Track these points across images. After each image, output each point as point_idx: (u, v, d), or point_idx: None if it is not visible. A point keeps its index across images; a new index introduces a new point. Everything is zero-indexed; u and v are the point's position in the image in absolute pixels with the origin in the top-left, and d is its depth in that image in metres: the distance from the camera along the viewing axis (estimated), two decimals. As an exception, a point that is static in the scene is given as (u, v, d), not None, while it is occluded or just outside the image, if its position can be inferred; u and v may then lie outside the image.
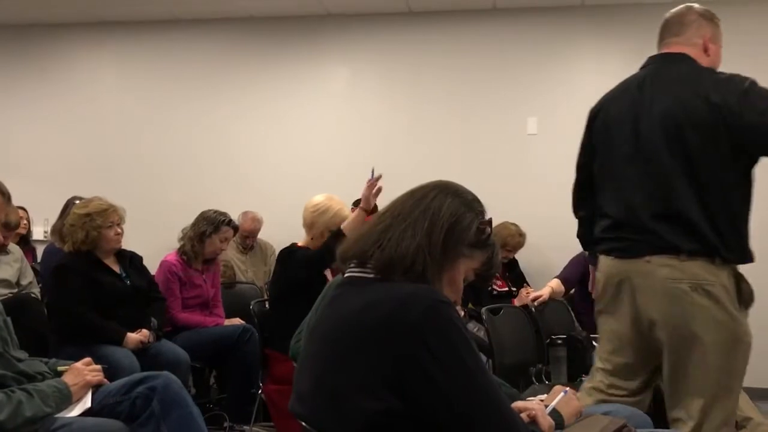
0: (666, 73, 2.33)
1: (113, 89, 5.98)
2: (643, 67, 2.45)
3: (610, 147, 2.38)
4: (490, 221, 1.51)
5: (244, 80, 5.83)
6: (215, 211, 4.12)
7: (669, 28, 2.42)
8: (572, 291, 4.06)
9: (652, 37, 5.76)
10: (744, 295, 2.20)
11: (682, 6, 2.43)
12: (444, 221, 1.41)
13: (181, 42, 5.90)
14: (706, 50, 2.37)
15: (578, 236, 2.69)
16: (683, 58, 2.34)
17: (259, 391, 3.42)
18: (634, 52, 5.36)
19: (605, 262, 2.36)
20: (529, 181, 5.45)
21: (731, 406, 2.23)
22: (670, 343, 2.19)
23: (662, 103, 2.24)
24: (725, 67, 2.43)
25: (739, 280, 2.21)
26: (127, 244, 3.81)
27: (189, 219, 4.17)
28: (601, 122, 2.44)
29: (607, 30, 5.46)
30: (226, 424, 3.42)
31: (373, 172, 3.08)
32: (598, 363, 2.43)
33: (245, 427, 3.38)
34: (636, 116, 2.30)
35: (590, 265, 2.65)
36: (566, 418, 1.55)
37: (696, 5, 2.44)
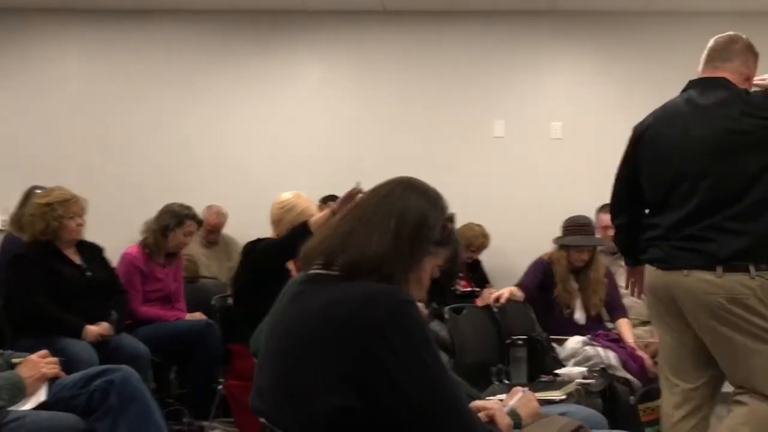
0: (714, 95, 2.48)
1: (78, 77, 5.86)
2: (689, 88, 2.60)
3: (656, 166, 2.56)
4: (452, 217, 1.51)
5: (214, 73, 5.76)
6: (179, 205, 4.08)
7: (719, 53, 2.57)
8: (534, 295, 4.10)
9: (620, 45, 5.90)
10: None
11: (732, 33, 2.61)
12: (410, 222, 1.40)
13: (150, 33, 5.81)
14: (747, 80, 2.55)
15: (616, 242, 2.95)
16: (729, 84, 2.50)
17: (220, 387, 3.39)
18: (601, 59, 5.51)
19: (649, 271, 2.57)
20: (494, 183, 5.50)
21: None
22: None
23: (714, 124, 2.42)
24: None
25: None
26: (89, 235, 3.75)
27: (152, 212, 4.13)
28: (650, 139, 2.60)
29: (575, 36, 5.54)
30: (185, 419, 3.39)
31: (359, 185, 3.00)
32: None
33: (205, 423, 3.36)
34: (687, 136, 2.46)
35: (628, 267, 2.89)
36: (524, 418, 1.57)
37: (743, 36, 2.62)
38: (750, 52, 2.59)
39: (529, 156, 5.53)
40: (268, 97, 5.73)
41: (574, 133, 5.49)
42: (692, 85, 2.60)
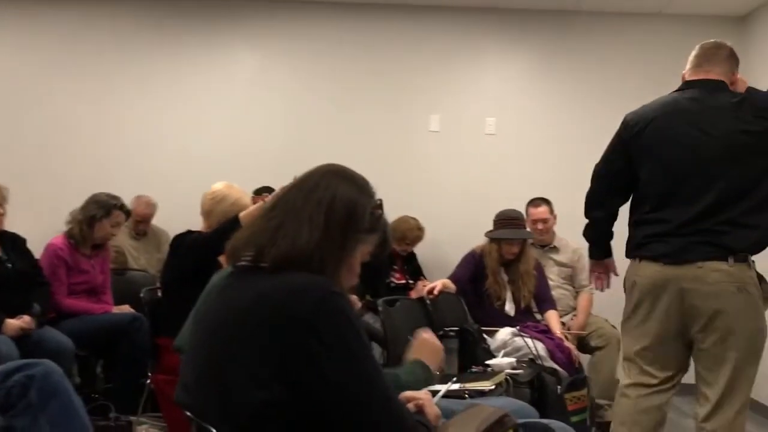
0: (723, 97, 2.60)
1: (-1, 61, 5.62)
2: (688, 88, 2.68)
3: (666, 161, 2.60)
4: (380, 203, 1.50)
5: (147, 63, 5.60)
6: (107, 195, 3.97)
7: (707, 58, 2.69)
8: (466, 288, 4.16)
9: (553, 43, 6.01)
10: (764, 293, 2.55)
11: (717, 40, 2.75)
12: (340, 212, 1.40)
13: (81, 21, 5.59)
14: (732, 84, 2.69)
15: (587, 235, 2.96)
16: (725, 86, 2.65)
17: (148, 381, 3.32)
18: (535, 57, 5.61)
19: (650, 267, 2.58)
20: (429, 177, 5.55)
21: (748, 394, 2.57)
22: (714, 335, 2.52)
23: (731, 124, 2.53)
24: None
25: (761, 280, 2.56)
26: (10, 225, 3.61)
27: (78, 201, 4.00)
28: (657, 133, 2.62)
29: (511, 33, 5.62)
30: (111, 415, 3.30)
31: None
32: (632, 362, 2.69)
33: (132, 418, 3.28)
34: (706, 135, 2.55)
35: (594, 261, 2.98)
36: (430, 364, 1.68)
37: (727, 43, 2.75)
38: (734, 58, 2.72)
39: (464, 150, 5.59)
40: (203, 88, 5.61)
41: (508, 128, 5.59)
42: (691, 85, 2.69)
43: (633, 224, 2.73)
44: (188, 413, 1.40)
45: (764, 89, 2.67)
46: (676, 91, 2.74)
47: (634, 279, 2.66)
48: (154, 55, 5.62)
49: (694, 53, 2.74)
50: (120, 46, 5.60)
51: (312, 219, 1.38)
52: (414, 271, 5.13)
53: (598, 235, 2.93)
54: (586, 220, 2.94)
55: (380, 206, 1.50)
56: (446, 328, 3.62)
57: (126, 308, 3.92)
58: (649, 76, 5.50)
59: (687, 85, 2.72)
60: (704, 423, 2.54)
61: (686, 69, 2.76)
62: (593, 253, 2.98)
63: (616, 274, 2.94)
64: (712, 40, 2.75)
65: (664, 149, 2.61)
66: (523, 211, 4.46)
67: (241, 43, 5.65)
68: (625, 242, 2.79)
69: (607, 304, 4.71)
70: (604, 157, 2.83)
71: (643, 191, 2.69)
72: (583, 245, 4.64)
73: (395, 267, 5.06)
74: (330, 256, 1.37)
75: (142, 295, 3.47)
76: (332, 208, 1.39)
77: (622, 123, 2.77)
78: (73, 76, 5.57)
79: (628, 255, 2.74)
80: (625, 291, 2.78)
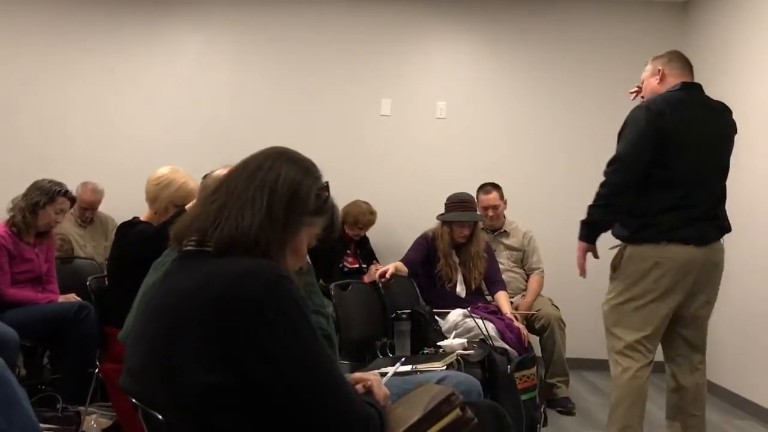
0: (711, 101, 2.99)
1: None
2: (685, 89, 2.94)
3: (696, 151, 2.86)
4: (327, 185, 1.49)
5: (90, 47, 5.47)
6: (50, 181, 3.86)
7: (686, 64, 3.04)
8: (418, 270, 4.19)
9: (504, 28, 6.04)
10: None
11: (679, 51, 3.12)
12: (283, 194, 1.38)
13: (21, 5, 5.42)
14: None
15: (599, 219, 2.95)
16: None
17: (96, 371, 3.26)
18: (485, 41, 5.64)
19: (681, 249, 2.82)
20: (381, 161, 5.56)
21: None
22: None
23: (725, 126, 2.98)
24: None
25: None
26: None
27: (21, 188, 3.88)
28: (680, 128, 2.83)
29: (461, 18, 5.64)
30: (59, 406, 3.23)
31: None
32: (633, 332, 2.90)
33: (80, 408, 3.21)
34: (713, 133, 2.92)
35: (588, 245, 2.99)
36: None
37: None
38: None
39: (415, 135, 5.61)
40: (145, 71, 5.51)
41: (459, 112, 5.62)
42: (688, 86, 2.95)
43: (661, 210, 2.83)
44: (133, 400, 1.38)
45: (704, 74, 2.86)
46: (673, 90, 2.92)
47: (657, 261, 2.83)
48: (95, 38, 5.49)
49: (674, 58, 3.03)
50: (59, 29, 5.45)
51: (255, 201, 1.36)
52: (367, 255, 5.14)
53: (612, 220, 2.96)
54: (602, 203, 2.92)
55: (326, 188, 1.49)
56: (398, 311, 3.63)
57: (72, 297, 3.83)
58: (593, 58, 5.60)
59: (685, 85, 2.95)
60: (693, 376, 2.95)
61: (669, 69, 2.99)
62: (592, 238, 3.00)
63: (597, 257, 3.01)
64: (676, 50, 3.10)
65: (694, 140, 2.85)
66: (474, 195, 4.50)
67: (183, 24, 5.56)
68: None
69: (554, 286, 4.83)
70: (632, 144, 2.84)
71: (674, 178, 2.84)
72: (534, 228, 4.76)
73: (348, 251, 5.06)
74: (274, 239, 1.36)
75: (88, 283, 3.39)
76: (275, 189, 1.38)
77: (647, 111, 2.83)
78: (9, 61, 5.40)
79: (647, 239, 2.85)
80: (617, 273, 2.92)
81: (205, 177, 2.55)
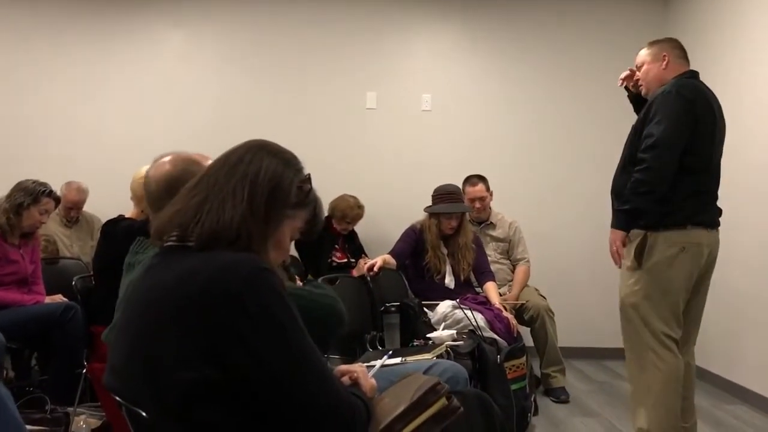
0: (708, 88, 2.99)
1: None
2: (695, 77, 2.97)
3: (716, 138, 2.92)
4: (309, 177, 1.48)
5: (70, 41, 5.42)
6: (34, 181, 3.83)
7: (684, 52, 3.05)
8: (406, 262, 4.19)
9: (483, 22, 6.02)
10: None
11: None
12: (264, 186, 1.37)
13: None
14: None
15: (639, 207, 2.85)
16: None
17: (84, 371, 3.24)
18: (469, 33, 5.64)
19: (702, 233, 2.87)
20: (367, 154, 5.55)
21: None
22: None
23: (721, 112, 2.97)
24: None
25: None
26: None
27: (4, 190, 3.85)
28: (705, 114, 2.86)
29: (445, 10, 5.62)
30: (47, 407, 3.21)
31: None
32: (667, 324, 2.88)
33: (69, 409, 3.20)
34: (717, 119, 2.93)
35: (623, 233, 2.92)
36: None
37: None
38: None
39: (401, 127, 5.60)
40: (128, 69, 5.46)
41: (444, 104, 5.62)
42: (695, 74, 2.99)
43: (684, 196, 2.82)
44: (117, 398, 1.37)
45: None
46: (686, 77, 2.94)
47: (683, 245, 2.84)
48: (75, 33, 5.43)
49: (676, 45, 3.03)
50: (37, 24, 5.40)
51: (236, 194, 1.35)
52: (355, 249, 5.14)
53: (650, 209, 2.84)
54: (644, 191, 2.80)
55: (308, 180, 1.48)
56: (387, 304, 3.63)
57: (58, 298, 3.81)
58: (577, 50, 5.61)
59: (694, 73, 2.98)
60: (684, 358, 2.94)
61: (674, 57, 2.99)
62: (627, 226, 2.92)
63: (624, 245, 2.97)
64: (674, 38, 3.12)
65: (711, 129, 2.88)
66: (461, 187, 4.50)
67: (165, 19, 5.51)
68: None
69: (541, 277, 4.85)
70: (672, 129, 2.77)
71: (696, 165, 2.84)
72: (519, 219, 4.77)
73: (336, 246, 5.06)
74: (255, 232, 1.35)
75: (74, 283, 3.37)
76: (256, 182, 1.37)
77: (683, 97, 2.80)
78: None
79: (673, 225, 2.83)
80: (640, 263, 2.86)
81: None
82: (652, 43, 3.08)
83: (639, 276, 2.89)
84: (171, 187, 1.84)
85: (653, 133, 2.78)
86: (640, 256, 2.87)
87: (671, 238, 2.83)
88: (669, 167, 2.78)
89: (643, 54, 3.08)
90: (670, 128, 2.76)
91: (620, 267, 2.97)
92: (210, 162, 1.88)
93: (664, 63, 2.99)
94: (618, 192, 2.94)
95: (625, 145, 3.00)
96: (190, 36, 5.53)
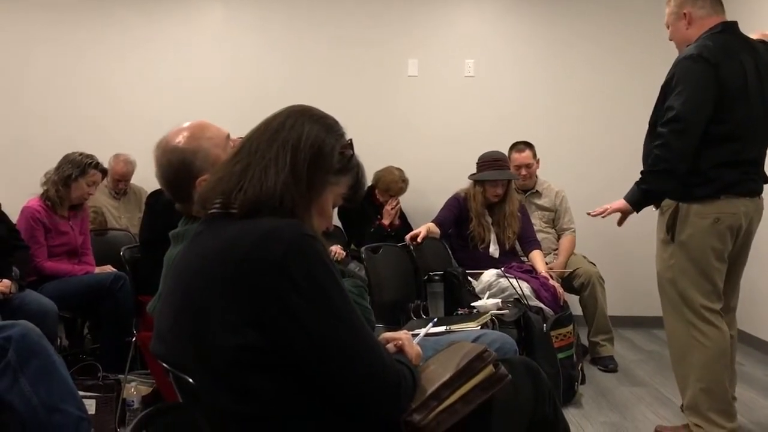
0: (748, 38, 2.75)
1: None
2: (727, 30, 2.72)
3: (751, 102, 2.67)
4: (350, 143, 1.46)
5: (109, 12, 5.46)
6: (81, 154, 3.89)
7: (719, 2, 2.78)
8: (450, 231, 4.15)
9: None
10: None
11: None
12: (306, 152, 1.35)
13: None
14: None
15: (658, 188, 2.76)
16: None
17: (133, 339, 3.31)
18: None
19: (742, 202, 2.72)
20: (409, 122, 5.49)
21: None
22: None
23: (765, 63, 2.73)
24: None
25: None
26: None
27: (53, 162, 3.92)
28: (736, 76, 2.64)
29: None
30: (99, 374, 3.29)
31: None
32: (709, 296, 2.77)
33: (120, 376, 3.27)
34: (758, 75, 2.69)
35: (633, 210, 2.85)
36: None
37: None
38: None
39: (444, 94, 5.52)
40: (169, 40, 5.48)
41: (487, 70, 5.51)
42: (728, 26, 2.73)
43: (717, 165, 2.67)
44: (164, 364, 1.38)
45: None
46: (715, 32, 2.70)
47: (717, 216, 2.70)
48: (117, 11, 5.46)
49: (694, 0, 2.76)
50: (82, 5, 5.44)
51: (278, 160, 1.33)
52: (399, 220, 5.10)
53: (670, 189, 2.75)
54: (661, 169, 2.69)
55: (350, 146, 1.46)
56: (431, 273, 3.61)
57: (108, 268, 3.89)
58: (625, 14, 5.44)
59: (726, 25, 2.72)
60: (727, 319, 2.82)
61: (696, 10, 2.75)
62: (639, 206, 2.82)
63: (619, 225, 2.93)
64: None
65: (746, 89, 2.66)
66: (507, 154, 4.42)
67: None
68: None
69: (587, 245, 4.76)
70: (693, 101, 2.61)
71: (729, 132, 2.66)
72: (566, 188, 4.67)
73: (379, 216, 5.03)
74: (299, 198, 1.33)
75: (122, 253, 3.43)
76: (298, 148, 1.35)
77: (703, 62, 2.61)
78: (36, 37, 5.43)
79: (705, 196, 2.69)
80: (673, 236, 2.76)
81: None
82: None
83: (673, 250, 2.79)
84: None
85: (673, 105, 2.62)
86: (672, 228, 2.76)
87: (704, 209, 2.70)
88: (689, 143, 2.63)
89: (666, 13, 2.86)
90: (691, 101, 2.60)
91: (594, 215, 2.93)
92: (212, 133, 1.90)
93: (686, 22, 2.77)
94: (645, 160, 2.80)
95: (653, 109, 2.83)
96: (230, 9, 5.52)
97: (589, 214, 2.99)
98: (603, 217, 2.93)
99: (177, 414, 1.44)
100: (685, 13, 2.77)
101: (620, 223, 2.93)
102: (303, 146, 1.36)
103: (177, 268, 1.42)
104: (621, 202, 2.86)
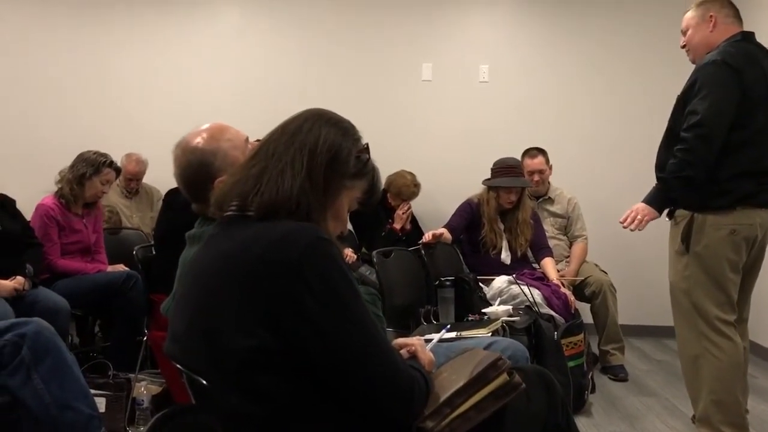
0: (765, 49, 2.76)
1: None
2: (746, 39, 2.73)
3: (763, 109, 2.66)
4: (366, 147, 1.46)
5: (128, 12, 5.49)
6: (95, 152, 3.91)
7: (738, 11, 2.79)
8: (461, 237, 4.14)
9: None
10: None
11: None
12: (322, 156, 1.36)
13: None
14: None
15: (674, 194, 2.76)
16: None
17: (144, 338, 3.32)
18: (520, 3, 5.48)
19: (760, 213, 2.69)
20: (423, 127, 5.49)
21: None
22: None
23: None
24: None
25: None
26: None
27: (67, 160, 3.95)
28: (753, 83, 2.63)
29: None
30: (110, 373, 3.30)
31: None
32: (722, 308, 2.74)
33: (131, 375, 3.28)
34: None
35: (653, 216, 2.83)
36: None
37: None
38: None
39: (458, 99, 5.52)
40: (186, 42, 5.51)
41: (502, 75, 5.50)
42: (747, 36, 2.74)
43: (734, 175, 2.65)
44: (177, 365, 1.38)
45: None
46: (736, 40, 2.71)
47: (733, 228, 2.67)
48: (136, 11, 5.49)
49: (725, 4, 2.78)
50: (101, 4, 5.47)
51: (294, 163, 1.34)
52: (410, 224, 5.10)
53: (691, 196, 2.71)
54: (681, 177, 2.66)
55: (366, 150, 1.46)
56: (442, 278, 3.60)
57: (120, 267, 3.90)
58: (638, 17, 5.42)
59: (745, 35, 2.73)
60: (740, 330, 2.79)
61: (722, 17, 2.76)
62: (661, 208, 2.83)
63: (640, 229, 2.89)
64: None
65: (765, 97, 2.65)
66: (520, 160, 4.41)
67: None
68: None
69: (599, 252, 4.74)
70: (718, 107, 2.58)
71: (747, 139, 2.64)
72: (578, 195, 4.65)
73: (390, 220, 5.03)
74: (315, 202, 1.33)
75: (135, 252, 3.44)
76: (315, 151, 1.35)
77: (728, 68, 2.60)
78: (54, 35, 5.46)
79: (721, 207, 2.67)
80: (687, 246, 2.73)
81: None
82: (698, 4, 2.82)
83: (688, 261, 2.75)
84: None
85: (697, 110, 2.59)
86: (687, 239, 2.73)
87: (720, 220, 2.67)
88: (713, 148, 2.59)
89: (688, 16, 2.85)
90: (715, 105, 2.57)
91: (627, 226, 2.84)
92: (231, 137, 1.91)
93: (711, 25, 2.76)
94: (661, 167, 2.77)
95: (670, 116, 2.80)
96: (245, 9, 5.54)
97: (622, 223, 2.90)
98: (640, 230, 2.86)
99: (191, 416, 1.44)
100: (711, 16, 2.77)
101: (643, 227, 2.88)
102: (320, 150, 1.36)
103: (192, 270, 1.42)
104: (651, 211, 2.83)
